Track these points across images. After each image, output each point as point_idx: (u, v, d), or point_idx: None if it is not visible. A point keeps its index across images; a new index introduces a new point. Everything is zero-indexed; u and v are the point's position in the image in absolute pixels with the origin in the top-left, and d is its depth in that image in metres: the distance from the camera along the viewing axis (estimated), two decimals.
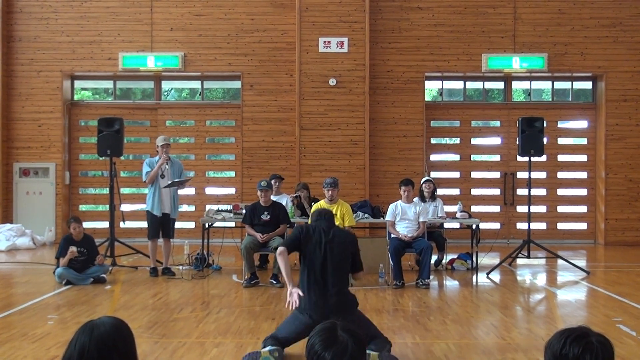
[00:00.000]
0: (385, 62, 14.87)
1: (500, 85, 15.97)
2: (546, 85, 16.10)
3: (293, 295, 5.34)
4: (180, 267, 10.30)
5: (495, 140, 15.59)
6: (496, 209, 15.44)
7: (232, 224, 12.02)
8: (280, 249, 5.66)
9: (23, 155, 15.04)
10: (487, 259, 11.44)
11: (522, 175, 14.78)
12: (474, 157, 15.62)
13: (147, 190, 10.24)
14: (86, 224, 11.34)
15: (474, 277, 10.20)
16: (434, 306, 7.98)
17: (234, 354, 5.69)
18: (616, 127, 14.90)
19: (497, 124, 15.55)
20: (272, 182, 10.58)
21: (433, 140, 15.49)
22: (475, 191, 15.51)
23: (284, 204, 10.33)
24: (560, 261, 11.17)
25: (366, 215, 10.50)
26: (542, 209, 15.32)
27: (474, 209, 15.16)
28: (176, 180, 10.02)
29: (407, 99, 14.87)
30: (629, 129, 14.91)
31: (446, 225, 11.48)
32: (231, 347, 5.93)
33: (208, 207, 11.75)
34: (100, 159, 13.15)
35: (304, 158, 14.52)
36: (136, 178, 15.39)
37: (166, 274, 9.94)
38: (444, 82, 15.78)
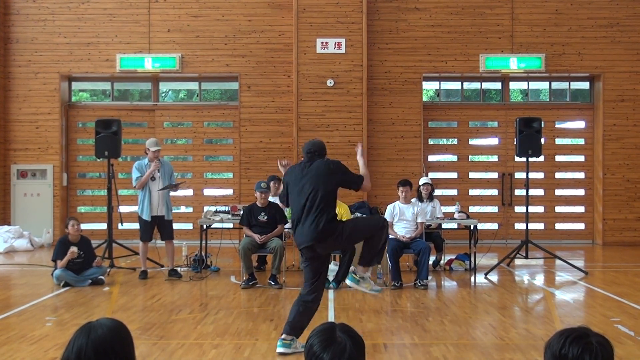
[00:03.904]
0: (383, 63, 14.88)
1: (497, 85, 15.99)
2: (544, 85, 16.11)
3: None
4: (179, 269, 10.28)
5: (493, 141, 15.60)
6: (494, 209, 15.45)
7: (230, 225, 12.01)
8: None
9: (21, 157, 15.02)
10: (485, 260, 11.45)
11: (519, 175, 14.78)
12: (471, 158, 15.62)
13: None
14: (84, 226, 11.33)
15: (472, 278, 10.20)
16: (432, 307, 7.98)
17: (232, 355, 5.69)
18: (614, 127, 14.92)
19: (495, 124, 15.56)
20: (272, 183, 10.58)
21: (431, 141, 15.49)
22: (473, 192, 15.51)
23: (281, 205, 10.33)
24: (558, 261, 11.18)
25: (364, 216, 10.49)
26: (540, 209, 15.33)
27: (472, 209, 15.19)
28: (168, 184, 10.00)
29: (404, 100, 14.88)
30: (626, 129, 14.92)
31: (444, 225, 11.48)
32: (229, 348, 5.92)
33: (206, 208, 11.75)
34: (98, 160, 13.16)
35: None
36: None
37: (172, 276, 9.89)
38: (442, 82, 15.79)
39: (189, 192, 15.22)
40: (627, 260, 12.50)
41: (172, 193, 10.43)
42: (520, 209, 14.76)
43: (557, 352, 2.31)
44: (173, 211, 10.51)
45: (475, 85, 16.00)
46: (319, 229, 5.71)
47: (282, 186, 6.31)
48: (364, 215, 10.45)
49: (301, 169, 6.08)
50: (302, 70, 14.56)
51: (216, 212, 10.83)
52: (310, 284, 5.89)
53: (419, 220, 9.71)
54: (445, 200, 13.41)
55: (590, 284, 9.64)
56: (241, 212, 10.08)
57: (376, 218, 6.38)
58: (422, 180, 11.12)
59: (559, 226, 15.45)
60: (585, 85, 15.67)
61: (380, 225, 5.96)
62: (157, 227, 10.06)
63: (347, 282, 6.07)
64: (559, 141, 15.57)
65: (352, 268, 6.10)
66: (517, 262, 11.51)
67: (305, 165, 6.08)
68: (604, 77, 14.94)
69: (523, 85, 16.13)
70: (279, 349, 5.72)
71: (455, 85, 16.00)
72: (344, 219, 9.32)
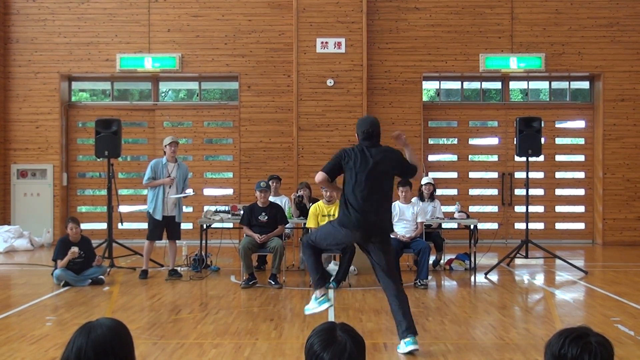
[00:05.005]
0: (383, 63, 14.87)
1: (497, 85, 15.98)
2: (544, 85, 16.11)
3: None
4: (179, 268, 10.29)
5: (493, 141, 15.60)
6: (494, 209, 15.45)
7: (230, 225, 12.01)
8: (320, 175, 5.81)
9: (21, 157, 15.02)
10: (485, 259, 11.44)
11: (519, 175, 14.78)
12: (471, 158, 15.62)
13: (145, 192, 10.22)
14: (84, 225, 11.31)
15: (472, 278, 10.20)
16: (432, 307, 7.97)
17: (233, 355, 5.69)
18: (614, 127, 14.92)
19: (495, 124, 15.56)
20: (271, 182, 10.57)
21: (431, 141, 15.49)
22: (473, 191, 15.51)
23: (282, 204, 10.33)
24: (558, 261, 11.18)
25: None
26: (540, 209, 15.33)
27: (472, 209, 15.19)
28: (179, 195, 10.03)
29: (404, 100, 14.88)
30: (626, 129, 14.92)
31: (444, 225, 11.48)
32: (229, 348, 5.92)
33: (206, 208, 11.74)
34: (98, 160, 13.15)
35: (301, 159, 14.52)
36: (134, 179, 15.38)
37: (172, 276, 9.88)
38: (442, 82, 15.79)
39: (189, 192, 15.18)
40: (627, 260, 12.50)
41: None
42: (520, 209, 14.76)
43: (557, 352, 2.31)
44: None
45: (475, 84, 15.99)
46: (385, 220, 5.82)
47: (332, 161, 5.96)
48: None
49: (363, 152, 5.84)
50: (302, 70, 14.56)
51: (216, 211, 10.83)
52: (312, 241, 5.98)
53: (419, 220, 9.71)
54: (445, 200, 13.40)
55: (590, 283, 9.64)
56: (241, 212, 10.08)
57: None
58: (424, 180, 11.11)
59: (559, 226, 15.45)
60: (585, 84, 15.67)
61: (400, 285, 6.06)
62: (166, 227, 10.06)
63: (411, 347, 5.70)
64: (559, 141, 15.57)
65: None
66: (517, 261, 11.51)
67: (368, 150, 5.86)
68: (604, 77, 14.94)
69: (523, 84, 16.13)
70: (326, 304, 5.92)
71: (455, 85, 16.00)
72: None
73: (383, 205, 5.85)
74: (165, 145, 10.11)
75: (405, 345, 5.70)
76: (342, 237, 5.90)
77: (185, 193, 10.16)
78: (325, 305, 5.85)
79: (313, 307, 5.92)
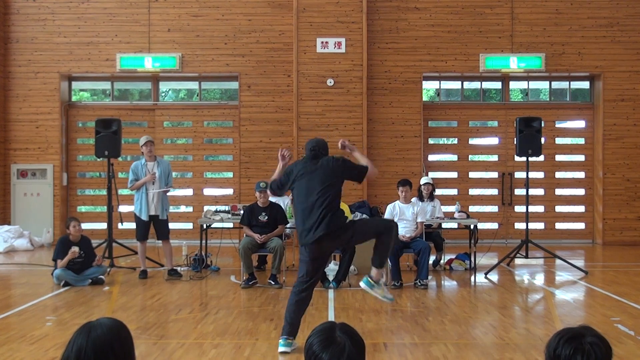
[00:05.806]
0: (383, 63, 14.87)
1: (497, 85, 15.98)
2: (544, 85, 16.10)
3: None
4: (179, 268, 10.29)
5: (493, 141, 15.60)
6: (494, 209, 15.45)
7: (230, 225, 12.01)
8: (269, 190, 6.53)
9: (21, 157, 15.02)
10: (485, 259, 11.45)
11: (519, 175, 14.79)
12: (471, 158, 15.62)
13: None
14: (84, 225, 11.30)
15: (472, 278, 10.20)
16: (432, 306, 7.98)
17: (232, 355, 5.69)
18: (614, 127, 14.92)
19: (495, 124, 15.56)
20: None
21: (431, 141, 15.49)
22: (473, 191, 15.51)
23: (282, 205, 10.33)
24: (558, 261, 11.18)
25: (364, 215, 10.49)
26: (540, 209, 15.33)
27: (472, 209, 15.19)
28: (160, 190, 10.00)
29: (404, 100, 14.88)
30: (626, 129, 14.92)
31: (444, 225, 11.48)
32: (229, 348, 5.92)
33: (206, 208, 11.74)
34: (98, 160, 13.15)
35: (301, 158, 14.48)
36: None
37: (172, 276, 9.87)
38: (442, 82, 15.79)
39: (189, 192, 15.21)
40: (627, 260, 12.50)
41: (168, 192, 10.42)
42: (520, 209, 14.76)
43: (552, 351, 2.33)
44: (173, 211, 10.53)
45: (475, 84, 15.99)
46: (331, 221, 5.78)
47: (280, 176, 6.30)
48: (365, 216, 10.46)
49: (307, 165, 6.12)
50: (302, 69, 14.57)
51: (216, 211, 10.83)
52: (305, 282, 5.92)
53: (419, 220, 9.71)
54: (446, 200, 13.40)
55: (590, 283, 9.64)
56: (241, 212, 10.08)
57: (387, 219, 6.56)
58: (424, 180, 11.12)
59: (559, 226, 15.45)
60: (585, 84, 15.67)
61: (390, 225, 6.14)
62: (153, 226, 10.06)
63: (361, 284, 6.20)
64: (559, 141, 15.57)
65: (373, 271, 6.14)
66: (517, 261, 11.51)
67: (312, 162, 6.12)
68: (604, 77, 14.94)
69: (523, 84, 16.12)
70: (282, 348, 5.72)
71: (455, 85, 16.00)
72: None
73: (330, 211, 5.85)
74: (142, 146, 10.11)
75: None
76: (309, 257, 5.89)
77: (166, 188, 10.11)
78: (281, 349, 5.73)
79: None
